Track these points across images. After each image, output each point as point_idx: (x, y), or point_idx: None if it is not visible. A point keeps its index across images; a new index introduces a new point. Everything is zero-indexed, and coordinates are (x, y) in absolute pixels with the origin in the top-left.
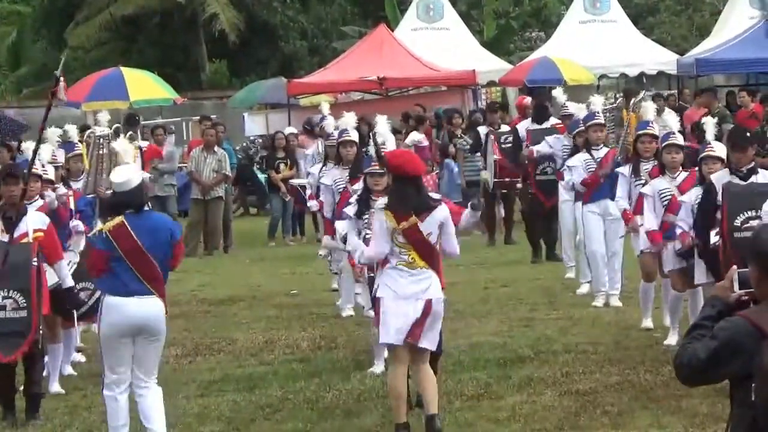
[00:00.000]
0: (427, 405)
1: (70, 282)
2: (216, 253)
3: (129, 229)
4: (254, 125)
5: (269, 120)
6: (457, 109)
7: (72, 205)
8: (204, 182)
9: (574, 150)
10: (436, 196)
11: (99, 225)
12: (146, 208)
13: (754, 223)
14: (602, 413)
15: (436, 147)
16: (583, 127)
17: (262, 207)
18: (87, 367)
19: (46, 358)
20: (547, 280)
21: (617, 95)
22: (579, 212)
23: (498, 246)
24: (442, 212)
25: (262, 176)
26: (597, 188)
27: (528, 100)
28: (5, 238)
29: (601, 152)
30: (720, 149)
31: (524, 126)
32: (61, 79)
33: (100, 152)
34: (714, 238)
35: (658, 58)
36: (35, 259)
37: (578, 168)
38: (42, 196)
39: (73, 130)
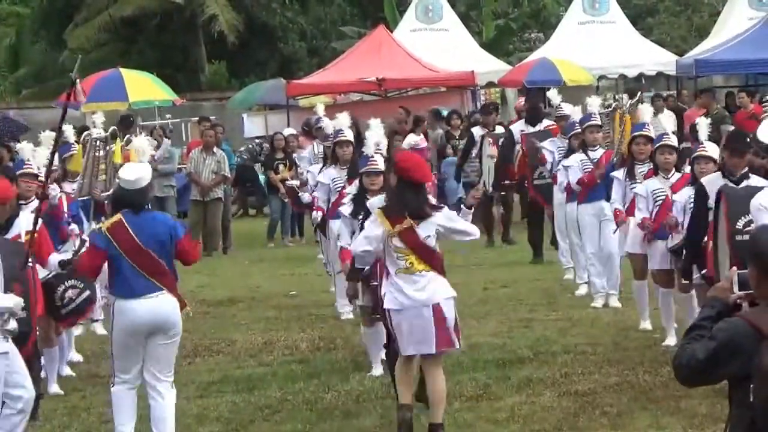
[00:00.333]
0: (433, 413)
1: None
2: (215, 254)
3: (126, 226)
4: (253, 126)
5: (268, 121)
6: (456, 110)
7: (65, 208)
8: (203, 183)
9: (569, 152)
10: (435, 203)
11: (93, 227)
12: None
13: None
14: (601, 414)
15: (435, 147)
16: (578, 129)
17: (262, 208)
18: (86, 368)
19: (43, 360)
20: (547, 281)
21: (616, 96)
22: (574, 214)
23: (497, 247)
24: (439, 217)
25: (263, 177)
26: (592, 189)
27: (522, 101)
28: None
29: (598, 153)
30: (712, 149)
31: (518, 127)
32: (78, 81)
33: (96, 154)
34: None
35: (657, 59)
36: (31, 260)
37: (574, 168)
38: (38, 196)
39: (69, 131)
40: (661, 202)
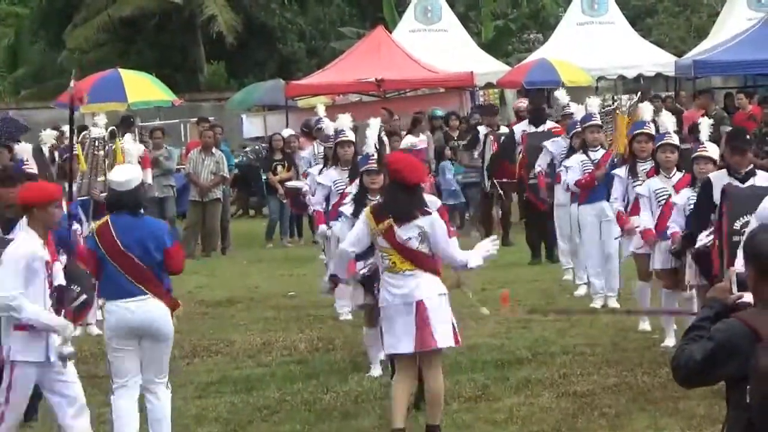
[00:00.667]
0: (431, 415)
1: (61, 280)
2: (214, 255)
3: (111, 228)
4: (252, 127)
5: (267, 122)
6: (454, 111)
7: (64, 208)
8: (202, 184)
9: (571, 151)
10: (432, 203)
11: (92, 226)
12: (141, 211)
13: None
14: (600, 415)
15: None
16: (579, 128)
17: (261, 209)
18: (84, 369)
19: None
20: (545, 281)
21: (615, 97)
22: (575, 214)
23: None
24: (424, 221)
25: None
26: (593, 190)
27: (523, 102)
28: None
29: (598, 153)
30: (712, 150)
31: (521, 128)
32: (71, 85)
33: (96, 153)
34: (705, 239)
35: (656, 60)
36: None
37: (575, 168)
38: None
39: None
40: (663, 201)
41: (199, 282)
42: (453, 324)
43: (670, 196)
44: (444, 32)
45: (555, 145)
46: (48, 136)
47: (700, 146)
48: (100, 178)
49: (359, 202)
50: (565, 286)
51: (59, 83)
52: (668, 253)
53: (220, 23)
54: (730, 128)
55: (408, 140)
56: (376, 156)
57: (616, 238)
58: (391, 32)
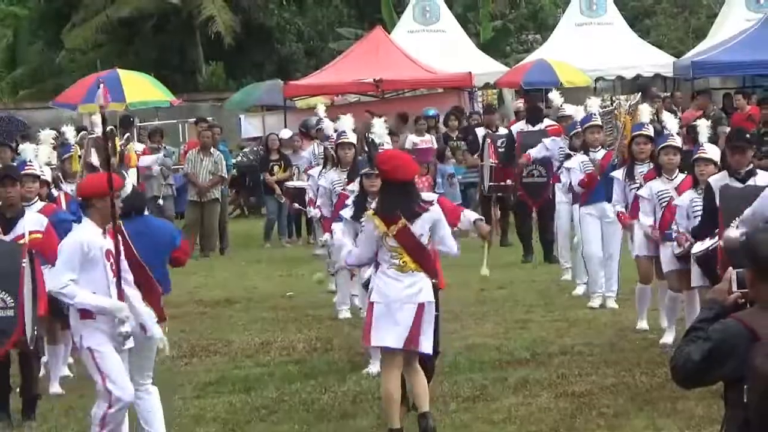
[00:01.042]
0: (419, 403)
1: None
2: (212, 255)
3: (126, 235)
4: (250, 127)
5: (265, 122)
6: (458, 107)
7: (63, 207)
8: (200, 184)
9: (571, 152)
10: (429, 197)
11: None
12: (146, 212)
13: None
14: (598, 415)
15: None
16: (579, 129)
17: (260, 209)
18: (82, 369)
19: (44, 359)
20: (543, 281)
21: (614, 98)
22: (576, 214)
23: (494, 248)
24: (432, 214)
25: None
26: (594, 190)
27: (520, 103)
28: (6, 239)
29: (599, 154)
30: (712, 151)
31: (518, 128)
32: (101, 86)
33: None
34: (709, 242)
35: (655, 61)
36: (26, 260)
37: (575, 170)
38: (41, 198)
39: (70, 132)
40: (665, 204)
41: (198, 282)
42: (437, 333)
43: (671, 198)
44: (442, 33)
45: (554, 144)
46: (47, 136)
47: (700, 148)
48: None
49: (359, 205)
50: (563, 286)
51: (58, 83)
52: (672, 256)
53: (218, 24)
54: (728, 129)
55: (410, 140)
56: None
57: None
58: (389, 33)
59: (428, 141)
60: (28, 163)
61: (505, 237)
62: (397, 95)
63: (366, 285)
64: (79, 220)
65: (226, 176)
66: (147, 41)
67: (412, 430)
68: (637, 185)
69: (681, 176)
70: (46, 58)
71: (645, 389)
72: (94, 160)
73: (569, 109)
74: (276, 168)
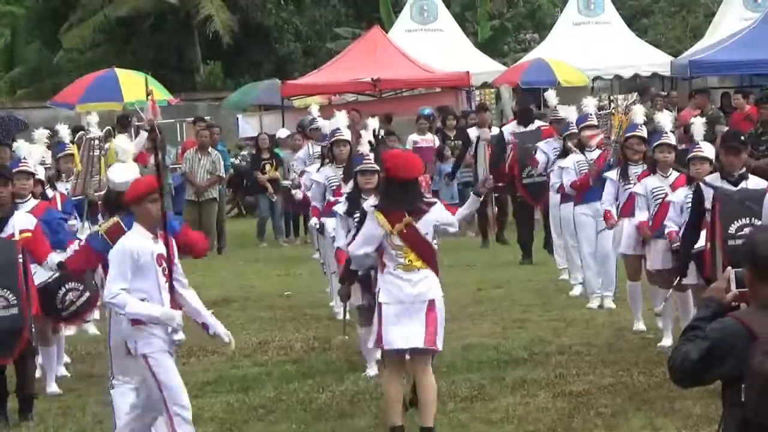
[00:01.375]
0: (425, 416)
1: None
2: (210, 254)
3: (125, 229)
4: (248, 127)
5: (263, 121)
6: (450, 109)
7: (59, 207)
8: (198, 183)
9: (564, 152)
10: (429, 198)
11: (86, 226)
12: None
13: (749, 230)
14: (596, 415)
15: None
16: (574, 129)
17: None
18: (80, 368)
19: (39, 359)
20: (541, 281)
21: (611, 97)
22: (570, 214)
23: (491, 247)
24: (435, 212)
25: None
26: (589, 190)
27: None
28: None
29: (594, 154)
30: (708, 150)
31: (510, 129)
32: (149, 96)
33: (92, 154)
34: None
35: (652, 60)
36: (20, 257)
37: (570, 170)
38: (34, 195)
39: (64, 131)
40: (660, 201)
41: (195, 281)
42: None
43: (666, 195)
44: (440, 32)
45: (548, 146)
46: (41, 136)
47: (696, 146)
48: (95, 178)
49: (353, 201)
50: (560, 285)
51: (55, 83)
52: (664, 254)
53: (216, 23)
54: (726, 128)
55: (411, 139)
56: (372, 156)
57: (600, 231)
58: (387, 32)
59: (429, 140)
60: (22, 160)
61: (501, 233)
62: (395, 95)
63: (360, 280)
64: (74, 219)
65: (224, 176)
66: (145, 41)
67: (410, 428)
68: (631, 185)
69: (675, 174)
70: (43, 57)
71: (643, 389)
72: (31, 165)
73: (563, 112)
74: (267, 167)
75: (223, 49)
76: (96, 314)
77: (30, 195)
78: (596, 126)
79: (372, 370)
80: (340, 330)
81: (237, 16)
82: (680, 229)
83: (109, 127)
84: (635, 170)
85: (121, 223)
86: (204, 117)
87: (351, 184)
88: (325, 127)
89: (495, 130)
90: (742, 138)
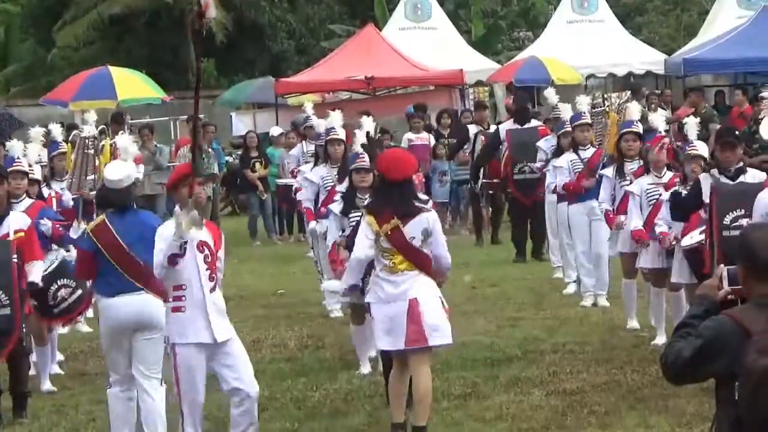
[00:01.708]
0: (417, 415)
1: (38, 280)
2: None
3: (109, 226)
4: (242, 124)
5: (257, 119)
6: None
7: (54, 206)
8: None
9: (559, 150)
10: (424, 198)
11: (82, 225)
12: (134, 206)
13: (744, 221)
14: (589, 413)
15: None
16: (568, 128)
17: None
18: (73, 366)
19: (33, 357)
20: (535, 279)
21: (605, 95)
22: (565, 212)
23: (485, 246)
24: (427, 217)
25: None
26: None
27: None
28: None
29: (588, 152)
30: (702, 148)
31: (506, 127)
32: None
33: (85, 152)
34: (698, 236)
35: (646, 58)
36: (15, 257)
37: (563, 169)
38: (29, 195)
39: (56, 129)
40: (654, 201)
41: None
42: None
43: (660, 195)
44: (434, 30)
45: (547, 144)
46: (37, 134)
47: (690, 145)
48: (90, 177)
49: (348, 200)
50: (554, 284)
51: (49, 80)
52: (657, 253)
53: (210, 21)
54: (720, 126)
55: (406, 137)
56: (366, 154)
57: (609, 239)
58: (381, 30)
59: (425, 138)
60: (17, 160)
61: (495, 234)
62: (389, 92)
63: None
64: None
65: (218, 174)
66: (138, 38)
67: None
68: (628, 182)
69: (669, 174)
70: (37, 55)
71: (636, 387)
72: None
73: (563, 111)
74: (257, 165)
75: (217, 47)
76: (90, 312)
77: (24, 195)
78: (590, 124)
79: (365, 369)
80: (333, 328)
81: (231, 13)
82: (671, 229)
83: (103, 125)
84: (631, 167)
85: (107, 221)
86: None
87: (346, 183)
88: (319, 126)
89: (492, 128)
90: (736, 133)
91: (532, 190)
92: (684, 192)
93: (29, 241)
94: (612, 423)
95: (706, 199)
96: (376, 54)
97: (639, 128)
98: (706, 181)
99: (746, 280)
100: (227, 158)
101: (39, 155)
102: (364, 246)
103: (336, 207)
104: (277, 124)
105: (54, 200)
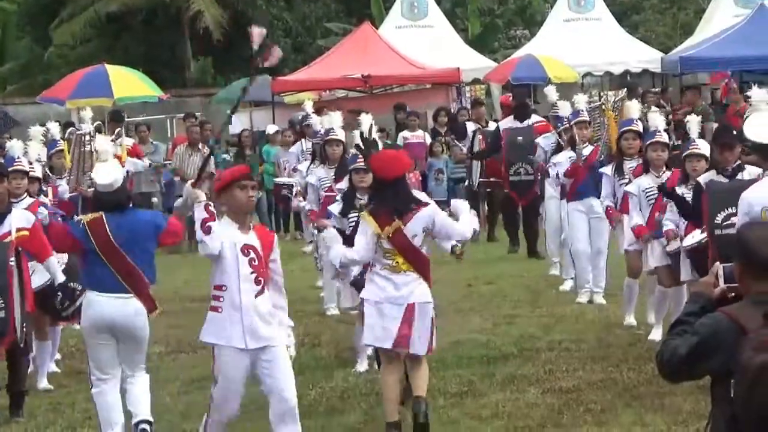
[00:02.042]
0: (416, 388)
1: (61, 277)
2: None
3: (105, 224)
4: (238, 123)
5: (253, 117)
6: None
7: (50, 195)
8: (188, 179)
9: (558, 147)
10: (421, 196)
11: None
12: (131, 206)
13: (734, 219)
14: (585, 411)
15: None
16: (567, 125)
17: None
18: (70, 364)
19: (32, 355)
20: (531, 277)
21: (602, 93)
22: (564, 210)
23: (481, 243)
24: (427, 211)
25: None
26: (581, 186)
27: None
28: None
29: (586, 150)
30: (704, 147)
31: (506, 124)
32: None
33: (82, 150)
34: (699, 236)
35: (643, 56)
36: (13, 259)
37: (563, 164)
38: (29, 194)
39: (55, 128)
40: (653, 201)
41: (186, 277)
42: (432, 333)
43: (659, 195)
44: (430, 28)
45: (546, 141)
46: (36, 133)
47: (692, 143)
48: (88, 174)
49: (348, 200)
50: (551, 281)
51: (46, 78)
52: (662, 251)
53: (206, 19)
54: (716, 125)
55: (401, 135)
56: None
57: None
58: (377, 28)
59: (420, 136)
60: (17, 159)
61: (492, 232)
62: (385, 91)
63: (354, 283)
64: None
65: (215, 172)
66: (135, 36)
67: (407, 426)
68: (627, 180)
69: (668, 173)
70: (34, 53)
71: (632, 385)
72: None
73: (562, 109)
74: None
75: (214, 45)
76: None
77: (25, 194)
78: (588, 122)
79: (362, 366)
80: (330, 326)
81: (227, 11)
82: (677, 227)
83: (99, 122)
84: (630, 165)
85: (104, 219)
86: (195, 113)
87: (344, 183)
88: (317, 124)
89: (492, 125)
90: (734, 132)
91: (527, 191)
92: (683, 191)
93: (36, 239)
94: (608, 421)
95: None
96: (373, 52)
97: (639, 127)
98: (705, 182)
99: (742, 277)
100: (224, 156)
101: (39, 154)
102: (363, 248)
103: (335, 208)
104: (273, 122)
105: (50, 193)
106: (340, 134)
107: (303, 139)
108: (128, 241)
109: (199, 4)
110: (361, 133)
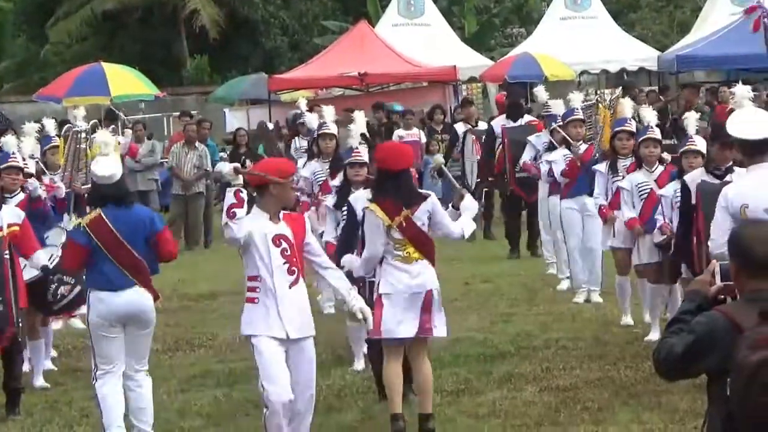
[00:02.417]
0: (422, 404)
1: (46, 261)
2: (197, 248)
3: (106, 220)
4: (235, 121)
5: (250, 115)
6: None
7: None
8: (185, 177)
9: (552, 145)
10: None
11: (74, 219)
12: (129, 200)
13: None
14: (582, 409)
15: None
16: (561, 123)
17: None
18: (67, 362)
19: (26, 353)
20: (528, 275)
21: (597, 92)
22: (558, 208)
23: (478, 241)
24: (429, 201)
25: None
26: (575, 184)
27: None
28: None
29: (581, 148)
30: (701, 143)
31: (499, 122)
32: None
33: (78, 147)
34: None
35: (639, 55)
36: (7, 252)
37: (558, 162)
38: (23, 189)
39: (50, 124)
40: (645, 196)
41: (182, 275)
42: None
43: (651, 190)
44: (427, 26)
45: (538, 140)
46: (31, 129)
47: (689, 140)
48: (82, 171)
49: (342, 194)
50: (547, 280)
51: (42, 77)
52: (652, 248)
53: (203, 17)
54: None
55: (397, 134)
56: (360, 149)
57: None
58: (374, 26)
59: (415, 135)
60: (12, 155)
61: (488, 228)
62: (382, 89)
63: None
64: (56, 209)
65: (211, 170)
66: (131, 34)
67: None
68: (620, 178)
69: (660, 168)
70: (30, 51)
71: (629, 383)
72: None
73: (554, 108)
74: (247, 161)
75: (210, 44)
76: (83, 308)
77: (19, 189)
78: (583, 120)
79: (359, 364)
80: (327, 324)
81: (224, 10)
82: (671, 222)
83: (96, 120)
84: (624, 163)
85: (103, 216)
86: (191, 111)
87: (339, 177)
88: (312, 122)
89: (483, 125)
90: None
91: (534, 189)
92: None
93: (25, 234)
94: (605, 419)
95: (695, 200)
96: (369, 50)
97: (632, 126)
98: (692, 184)
99: (738, 275)
100: (221, 154)
101: (32, 150)
102: (376, 242)
103: (330, 200)
104: (270, 121)
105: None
106: (333, 128)
107: (297, 137)
108: (130, 234)
109: (195, 2)
110: (368, 122)
